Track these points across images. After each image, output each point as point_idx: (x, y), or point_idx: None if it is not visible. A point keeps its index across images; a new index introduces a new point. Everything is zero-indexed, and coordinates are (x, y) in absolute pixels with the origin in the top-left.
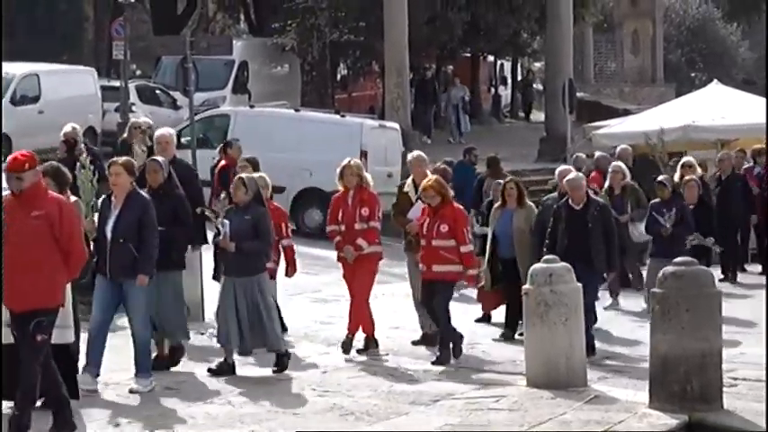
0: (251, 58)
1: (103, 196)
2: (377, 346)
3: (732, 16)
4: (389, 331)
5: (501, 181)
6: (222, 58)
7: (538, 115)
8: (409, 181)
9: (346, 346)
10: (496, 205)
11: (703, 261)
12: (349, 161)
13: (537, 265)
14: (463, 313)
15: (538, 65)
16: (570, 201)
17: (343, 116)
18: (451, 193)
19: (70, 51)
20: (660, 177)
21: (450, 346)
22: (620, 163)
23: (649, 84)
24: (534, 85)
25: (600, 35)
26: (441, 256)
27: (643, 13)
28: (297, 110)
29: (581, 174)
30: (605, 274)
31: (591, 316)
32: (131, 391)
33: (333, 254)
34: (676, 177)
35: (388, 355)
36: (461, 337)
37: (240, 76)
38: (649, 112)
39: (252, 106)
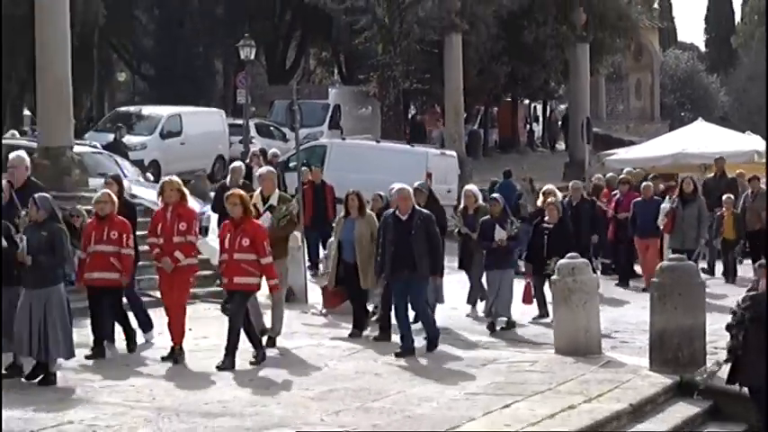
0: (342, 102)
1: None
2: (182, 352)
3: (713, 69)
4: (450, 311)
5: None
6: (320, 102)
7: (562, 146)
8: (257, 194)
9: (177, 358)
10: (341, 215)
11: None
12: (170, 178)
13: (562, 261)
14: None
15: (562, 107)
16: (397, 211)
17: (413, 146)
18: (254, 210)
19: (205, 97)
20: (494, 195)
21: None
22: (472, 187)
23: (649, 121)
24: (559, 123)
25: (611, 83)
26: (242, 268)
27: (644, 66)
28: (377, 141)
29: (408, 187)
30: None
31: (426, 314)
32: None
33: None
34: (539, 203)
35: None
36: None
37: (334, 115)
38: (649, 142)
39: (343, 138)
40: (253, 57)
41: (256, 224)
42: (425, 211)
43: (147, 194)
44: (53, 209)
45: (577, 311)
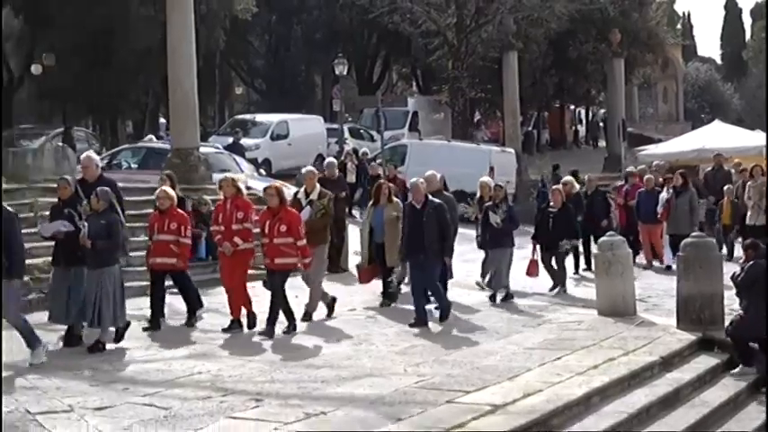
0: (419, 109)
1: None
2: (240, 327)
3: (727, 78)
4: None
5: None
6: (401, 109)
7: (602, 143)
8: (302, 190)
9: (238, 325)
10: (371, 203)
11: (564, 255)
12: (225, 176)
13: (603, 239)
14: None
15: (602, 111)
16: (413, 201)
17: (478, 145)
18: (289, 200)
19: (306, 106)
20: (500, 182)
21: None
22: (486, 178)
23: (674, 122)
24: (600, 124)
25: (642, 91)
26: (281, 250)
27: (670, 76)
28: (449, 141)
29: (421, 179)
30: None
31: (439, 289)
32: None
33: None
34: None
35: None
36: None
37: (413, 120)
38: (675, 140)
39: (421, 139)
40: (345, 73)
41: (291, 212)
42: (437, 200)
43: (260, 186)
44: (111, 200)
45: (616, 280)
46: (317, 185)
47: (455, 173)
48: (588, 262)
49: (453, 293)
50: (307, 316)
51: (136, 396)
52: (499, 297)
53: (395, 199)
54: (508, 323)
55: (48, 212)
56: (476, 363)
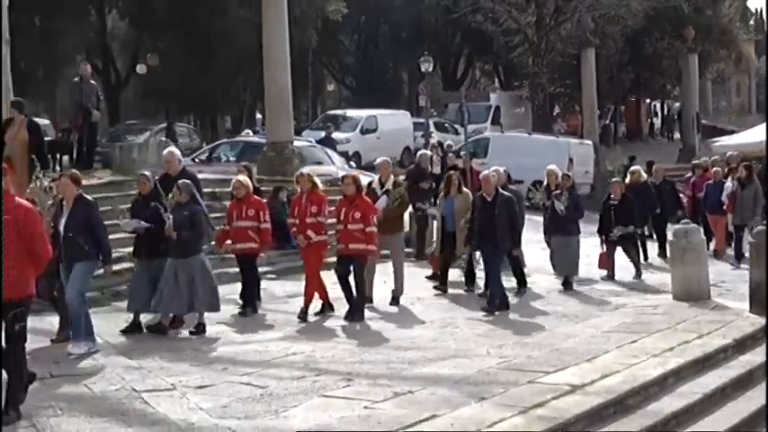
0: (501, 104)
1: (59, 198)
2: (332, 309)
3: None
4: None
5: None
6: (484, 104)
7: (677, 135)
8: (376, 179)
9: (303, 314)
10: (442, 193)
11: (630, 242)
12: (301, 172)
13: (677, 226)
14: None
15: (677, 104)
16: (483, 193)
17: (557, 137)
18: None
19: (394, 101)
20: (579, 173)
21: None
22: (553, 167)
23: (747, 114)
24: (675, 117)
25: (716, 85)
26: (355, 236)
27: (742, 70)
28: (529, 134)
29: (492, 173)
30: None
31: (497, 280)
32: (69, 354)
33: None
34: (627, 180)
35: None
36: (369, 300)
37: (495, 114)
38: (747, 131)
39: (503, 132)
40: (431, 69)
41: (366, 200)
42: (507, 193)
43: None
44: (193, 192)
45: (690, 266)
46: (392, 176)
47: (535, 164)
48: (660, 249)
49: (531, 279)
50: (394, 300)
51: (234, 375)
52: (574, 283)
53: (465, 189)
54: (585, 308)
55: (128, 206)
56: (555, 345)
